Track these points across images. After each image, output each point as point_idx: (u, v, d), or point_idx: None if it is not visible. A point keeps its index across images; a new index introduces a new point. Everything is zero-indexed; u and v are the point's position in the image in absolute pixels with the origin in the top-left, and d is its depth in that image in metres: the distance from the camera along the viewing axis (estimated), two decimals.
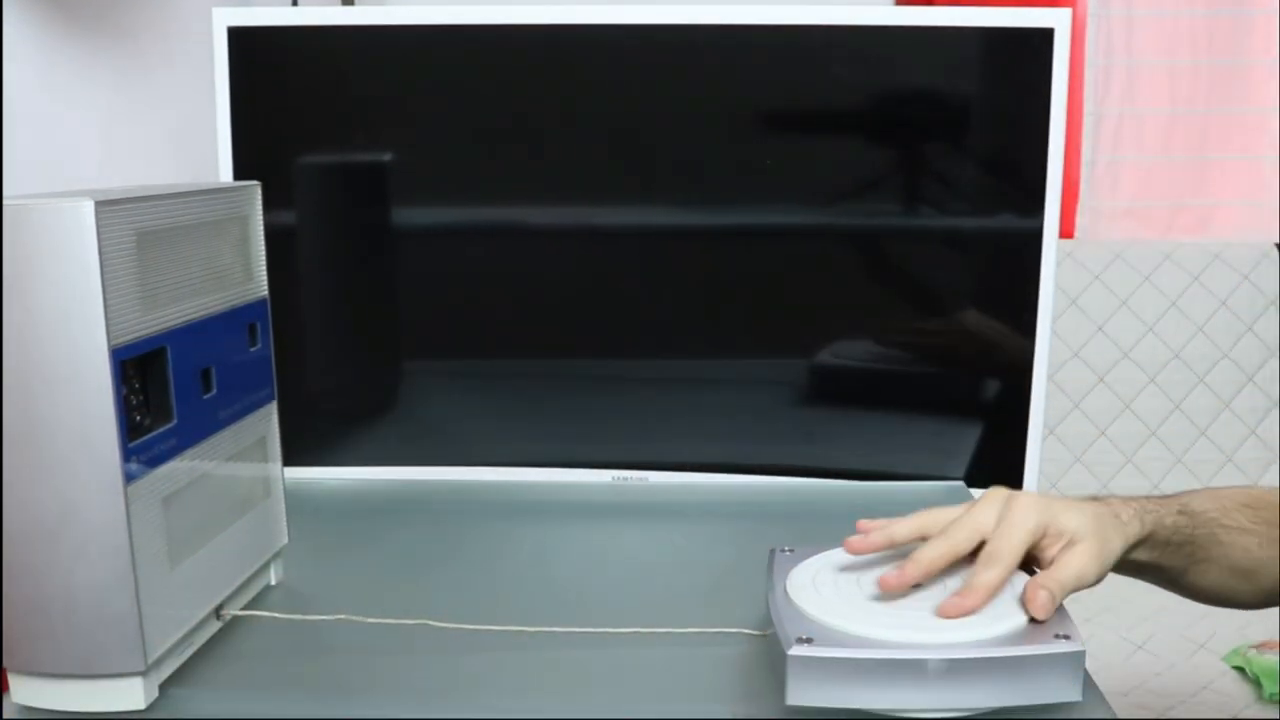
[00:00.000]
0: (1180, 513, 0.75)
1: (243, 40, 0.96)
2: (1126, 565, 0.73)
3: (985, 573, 0.64)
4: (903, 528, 0.69)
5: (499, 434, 1.02)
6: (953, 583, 0.67)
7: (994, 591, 0.64)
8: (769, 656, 0.66)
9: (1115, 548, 0.69)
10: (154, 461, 0.62)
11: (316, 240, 1.01)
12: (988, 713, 0.60)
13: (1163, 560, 0.75)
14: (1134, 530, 0.71)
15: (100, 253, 0.57)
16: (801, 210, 0.99)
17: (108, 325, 0.58)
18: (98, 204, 0.57)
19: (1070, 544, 0.67)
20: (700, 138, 0.98)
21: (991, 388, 0.99)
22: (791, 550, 0.73)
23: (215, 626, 0.71)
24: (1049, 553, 0.67)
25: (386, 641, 0.70)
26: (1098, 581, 0.68)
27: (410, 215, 1.00)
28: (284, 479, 0.79)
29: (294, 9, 0.98)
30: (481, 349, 1.03)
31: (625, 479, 1.02)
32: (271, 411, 0.77)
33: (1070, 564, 0.66)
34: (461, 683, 0.67)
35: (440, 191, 1.00)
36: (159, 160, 1.19)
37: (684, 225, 1.00)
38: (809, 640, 0.60)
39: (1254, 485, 0.82)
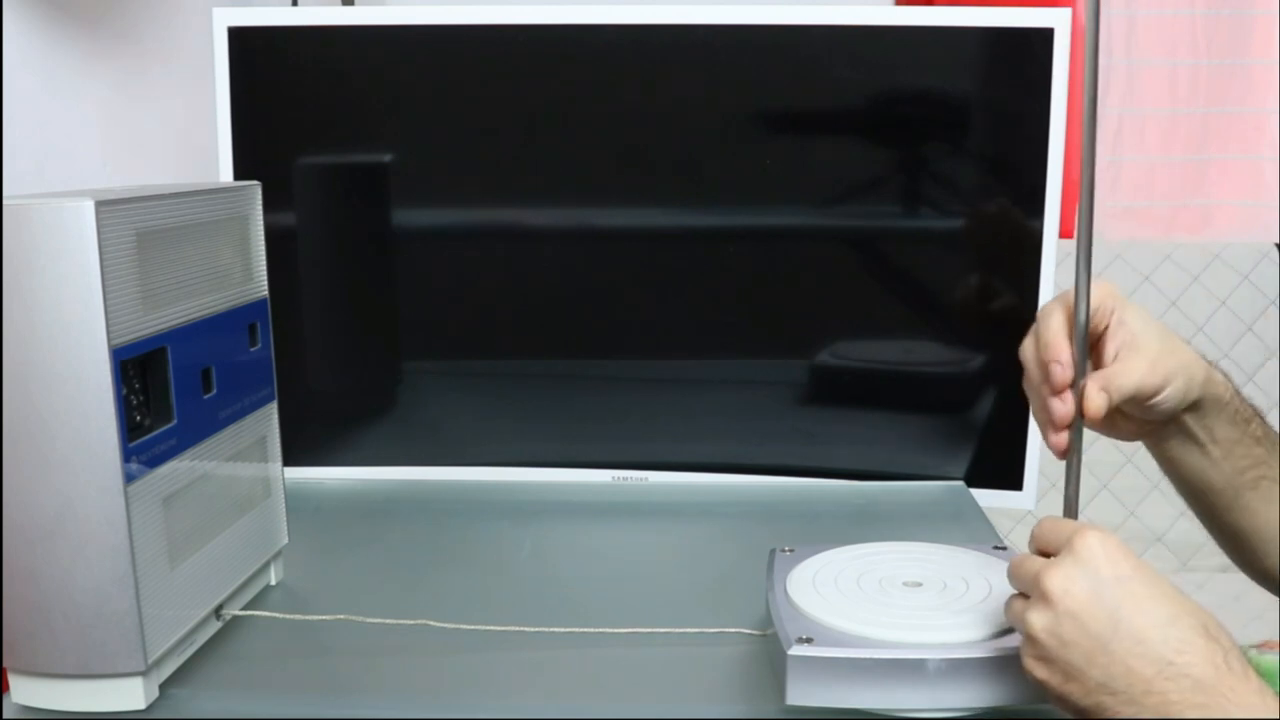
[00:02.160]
0: (1255, 415, 0.72)
1: (243, 40, 0.96)
2: (1174, 446, 0.71)
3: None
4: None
5: (499, 434, 1.02)
6: (953, 583, 0.67)
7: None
8: (769, 656, 0.66)
9: (1188, 360, 0.67)
10: (154, 461, 0.62)
11: (316, 240, 1.01)
12: (987, 712, 0.60)
13: (1220, 454, 0.71)
14: (1202, 373, 0.68)
15: (100, 253, 0.57)
16: (802, 211, 0.99)
17: (108, 325, 0.58)
18: (98, 204, 0.57)
19: (1133, 343, 0.66)
20: (700, 138, 0.97)
21: (991, 387, 0.99)
22: (791, 550, 0.73)
23: (215, 626, 0.71)
24: (1110, 347, 0.66)
25: (386, 641, 0.70)
26: (1160, 400, 0.66)
27: (410, 215, 1.00)
28: (284, 479, 0.79)
29: (294, 9, 0.98)
30: (481, 349, 1.03)
31: (625, 479, 1.02)
32: (271, 411, 0.77)
33: (1133, 367, 0.65)
34: (461, 683, 0.67)
35: (440, 192, 1.00)
36: (159, 160, 1.19)
37: (684, 226, 1.00)
38: (809, 640, 0.60)
39: None
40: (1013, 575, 0.58)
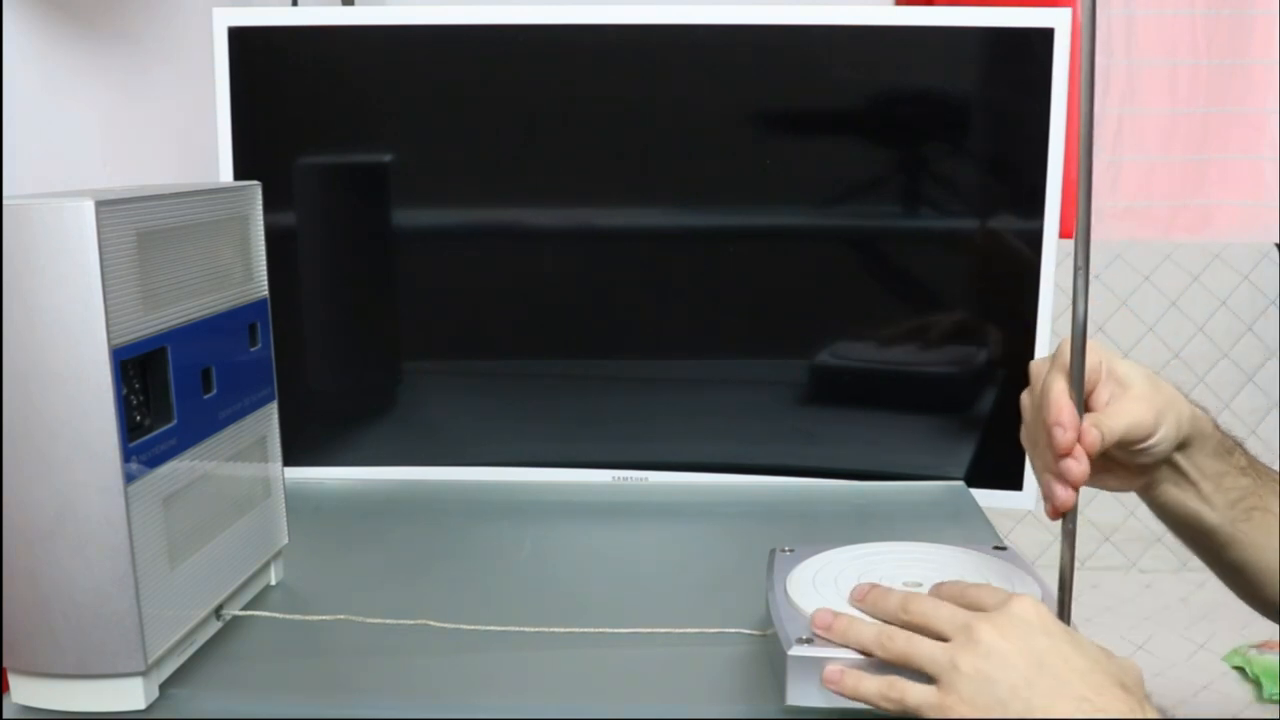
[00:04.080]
0: (1237, 446, 0.73)
1: (243, 40, 0.96)
2: (1168, 490, 0.72)
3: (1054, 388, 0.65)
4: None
5: (499, 434, 1.02)
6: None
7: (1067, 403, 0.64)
8: (769, 656, 0.66)
9: (1175, 398, 0.68)
10: (154, 461, 0.62)
11: (316, 240, 1.01)
12: None
13: (1211, 489, 0.71)
14: (1188, 409, 0.69)
15: (100, 253, 0.57)
16: (802, 211, 0.99)
17: (108, 325, 0.58)
18: (98, 204, 0.57)
19: (1122, 388, 0.67)
20: (700, 138, 0.97)
21: (991, 387, 0.99)
22: (791, 550, 0.73)
23: (215, 626, 0.71)
24: (1102, 395, 0.67)
25: (386, 641, 0.70)
26: (1155, 441, 0.67)
27: (410, 215, 1.00)
28: (284, 479, 0.79)
29: (294, 9, 0.98)
30: (481, 349, 1.03)
31: (625, 479, 1.02)
32: (271, 411, 0.77)
33: (1124, 410, 0.66)
34: (461, 683, 0.67)
35: (441, 192, 1.00)
36: (159, 160, 1.19)
37: (684, 226, 1.00)
38: (809, 640, 0.60)
39: None
40: (928, 618, 0.59)
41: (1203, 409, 0.72)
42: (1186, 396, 0.71)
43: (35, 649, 0.61)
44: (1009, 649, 0.55)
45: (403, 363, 1.03)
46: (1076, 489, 0.64)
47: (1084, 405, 0.67)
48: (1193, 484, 0.72)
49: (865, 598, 0.63)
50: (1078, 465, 0.63)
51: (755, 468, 1.01)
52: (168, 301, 0.64)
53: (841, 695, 0.58)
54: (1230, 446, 0.73)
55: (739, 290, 1.00)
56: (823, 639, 0.60)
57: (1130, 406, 0.66)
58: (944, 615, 0.59)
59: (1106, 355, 0.68)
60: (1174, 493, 0.72)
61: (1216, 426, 0.72)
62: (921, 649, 0.57)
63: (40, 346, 0.58)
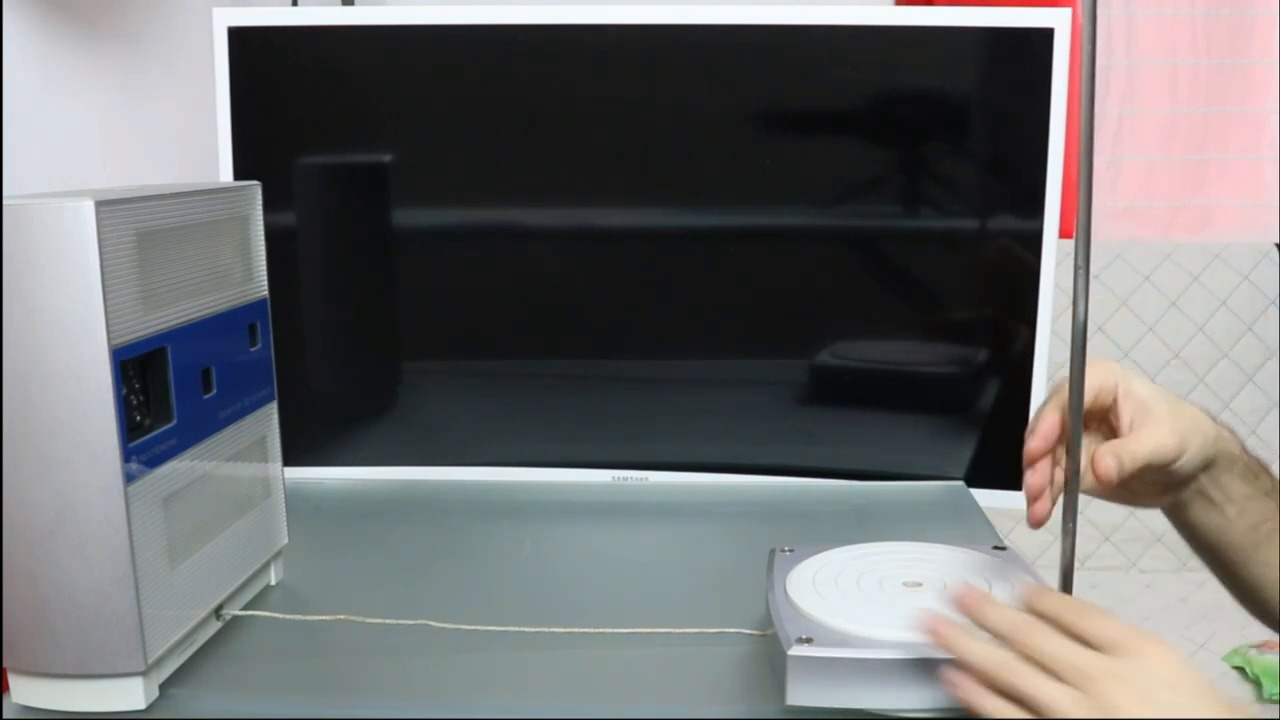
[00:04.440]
0: (1264, 470, 0.73)
1: (243, 40, 0.96)
2: (1194, 509, 0.72)
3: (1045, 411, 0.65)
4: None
5: (499, 434, 1.02)
6: (953, 583, 0.67)
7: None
8: (769, 656, 0.66)
9: (1198, 419, 0.68)
10: (154, 461, 0.62)
11: (316, 240, 1.01)
12: None
13: (1235, 513, 0.71)
14: (1213, 430, 0.69)
15: (100, 253, 0.57)
16: (802, 211, 0.99)
17: (108, 325, 0.58)
18: (98, 204, 0.57)
19: (1145, 412, 0.67)
20: (700, 138, 0.97)
21: (991, 387, 0.99)
22: (791, 550, 0.73)
23: (215, 626, 0.71)
24: (1124, 419, 0.67)
25: (386, 641, 0.70)
26: (1180, 464, 0.67)
27: (410, 215, 1.00)
28: (284, 479, 0.79)
29: (294, 9, 0.98)
30: (481, 349, 1.03)
31: (625, 479, 1.02)
32: (271, 411, 0.77)
33: (1147, 436, 0.66)
34: (461, 683, 0.67)
35: (441, 192, 1.00)
36: (159, 160, 1.19)
37: (684, 226, 1.00)
38: (809, 640, 0.60)
39: None
40: (1046, 657, 0.54)
41: (1230, 430, 0.72)
42: (1213, 417, 0.71)
43: (35, 649, 0.61)
44: (1136, 709, 0.51)
45: (403, 363, 1.03)
46: (1034, 499, 0.65)
47: (1104, 424, 0.67)
48: (1218, 506, 0.72)
49: (972, 606, 0.57)
50: (1032, 475, 0.65)
51: (755, 468, 1.01)
52: (168, 301, 0.64)
53: (959, 700, 0.55)
54: (1257, 470, 0.73)
55: (739, 290, 1.00)
56: (823, 639, 0.60)
57: (1153, 432, 0.66)
58: (1067, 660, 0.53)
59: (1122, 375, 0.68)
60: (1199, 513, 0.73)
61: (1244, 449, 0.72)
62: (1043, 694, 0.53)
63: (40, 346, 0.58)
